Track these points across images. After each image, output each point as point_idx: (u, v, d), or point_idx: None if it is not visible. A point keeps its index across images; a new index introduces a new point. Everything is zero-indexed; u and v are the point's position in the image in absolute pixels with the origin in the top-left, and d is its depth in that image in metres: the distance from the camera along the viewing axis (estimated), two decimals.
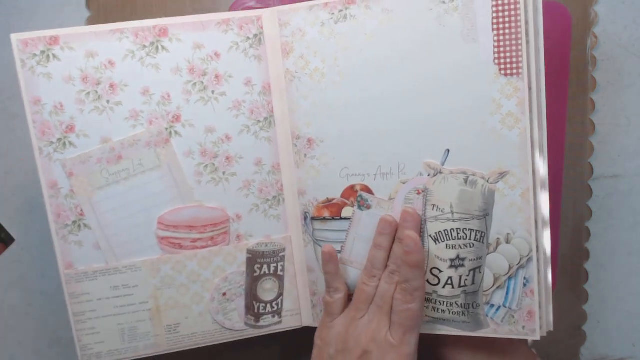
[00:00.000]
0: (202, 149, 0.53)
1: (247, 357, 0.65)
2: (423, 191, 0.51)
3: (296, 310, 0.57)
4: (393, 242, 0.51)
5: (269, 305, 0.56)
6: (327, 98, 0.52)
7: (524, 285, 0.49)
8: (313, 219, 0.55)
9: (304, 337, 0.59)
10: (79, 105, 0.50)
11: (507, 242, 0.49)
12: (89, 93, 0.50)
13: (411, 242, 0.48)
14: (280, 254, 0.56)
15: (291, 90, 0.53)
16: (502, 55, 0.46)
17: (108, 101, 0.50)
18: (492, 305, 0.50)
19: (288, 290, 0.56)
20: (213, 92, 0.52)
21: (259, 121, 0.53)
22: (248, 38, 0.52)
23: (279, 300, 0.56)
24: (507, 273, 0.49)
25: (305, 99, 0.53)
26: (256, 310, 0.56)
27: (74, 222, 0.52)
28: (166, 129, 0.52)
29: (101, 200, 0.52)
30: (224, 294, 0.55)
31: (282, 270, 0.56)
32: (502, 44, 0.46)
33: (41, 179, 0.51)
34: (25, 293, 0.61)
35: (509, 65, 0.46)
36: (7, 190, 0.60)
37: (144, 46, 0.50)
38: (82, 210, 0.52)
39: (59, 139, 0.50)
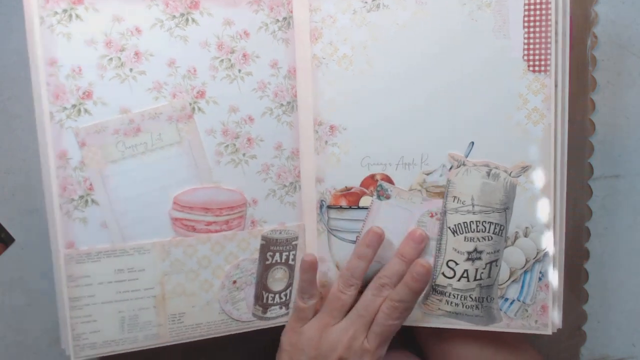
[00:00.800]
0: (224, 128, 0.51)
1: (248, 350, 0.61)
2: (435, 214, 0.51)
3: None
4: (375, 254, 0.52)
5: (277, 296, 0.54)
6: (353, 85, 0.52)
7: (539, 279, 0.50)
8: (329, 207, 0.54)
9: None
10: (99, 71, 0.47)
11: (525, 235, 0.50)
12: (111, 59, 0.47)
13: (423, 271, 0.49)
14: (293, 242, 0.54)
15: (317, 76, 0.53)
16: (531, 52, 0.48)
17: (131, 69, 0.48)
18: (507, 299, 0.51)
19: (297, 280, 0.54)
20: (239, 70, 0.51)
21: (282, 105, 0.52)
22: (277, 20, 0.52)
23: (288, 290, 0.54)
24: (524, 267, 0.51)
25: (330, 85, 0.52)
26: (265, 301, 0.54)
27: (81, 197, 0.48)
28: (190, 104, 0.49)
29: (113, 175, 0.48)
30: (234, 282, 0.52)
31: (294, 259, 0.54)
32: (532, 41, 0.48)
33: (49, 147, 0.47)
34: (25, 293, 0.59)
35: (537, 62, 0.48)
36: (7, 190, 0.58)
37: (174, 16, 0.48)
38: (91, 184, 0.48)
39: (74, 105, 0.47)
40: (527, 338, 0.54)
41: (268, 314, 0.54)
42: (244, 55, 0.51)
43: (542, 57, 0.48)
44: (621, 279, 0.61)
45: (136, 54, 0.48)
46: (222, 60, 0.50)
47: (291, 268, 0.54)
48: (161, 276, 0.50)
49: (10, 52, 0.56)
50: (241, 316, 0.53)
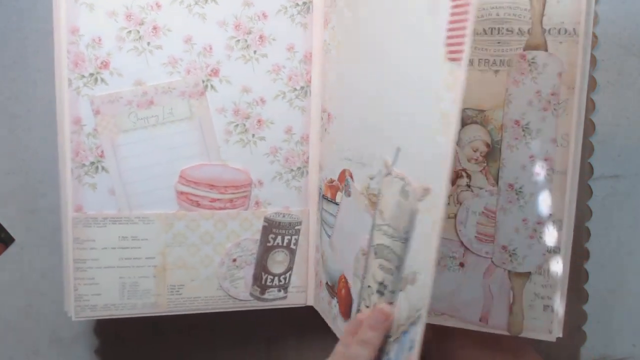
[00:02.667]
0: (236, 108, 0.51)
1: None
2: (366, 253, 0.44)
3: (303, 287, 0.55)
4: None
5: (276, 279, 0.54)
6: (342, 74, 0.49)
7: (410, 348, 0.35)
8: (323, 197, 0.53)
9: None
10: (117, 43, 0.48)
11: (412, 283, 0.37)
12: (130, 32, 0.49)
13: None
14: (296, 227, 0.54)
15: (325, 62, 0.52)
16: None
17: (149, 43, 0.49)
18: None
19: (298, 265, 0.55)
20: (255, 52, 0.51)
21: (295, 89, 0.53)
22: (297, 4, 0.52)
23: (288, 274, 0.55)
24: (403, 324, 0.38)
25: (331, 71, 0.51)
26: (263, 282, 0.54)
27: (92, 163, 0.49)
28: (203, 81, 0.50)
29: (125, 144, 0.50)
30: (234, 260, 0.53)
31: (295, 244, 0.55)
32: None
33: (65, 113, 0.48)
34: (25, 293, 0.60)
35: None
36: (7, 190, 0.59)
37: None
38: (102, 152, 0.49)
39: (91, 74, 0.48)
40: (527, 340, 0.53)
41: (266, 295, 0.54)
42: (261, 37, 0.51)
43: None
44: (621, 279, 0.59)
45: (154, 28, 0.49)
46: (238, 41, 0.51)
47: (292, 252, 0.55)
48: (163, 247, 0.51)
49: (10, 52, 0.57)
50: (239, 294, 0.54)
